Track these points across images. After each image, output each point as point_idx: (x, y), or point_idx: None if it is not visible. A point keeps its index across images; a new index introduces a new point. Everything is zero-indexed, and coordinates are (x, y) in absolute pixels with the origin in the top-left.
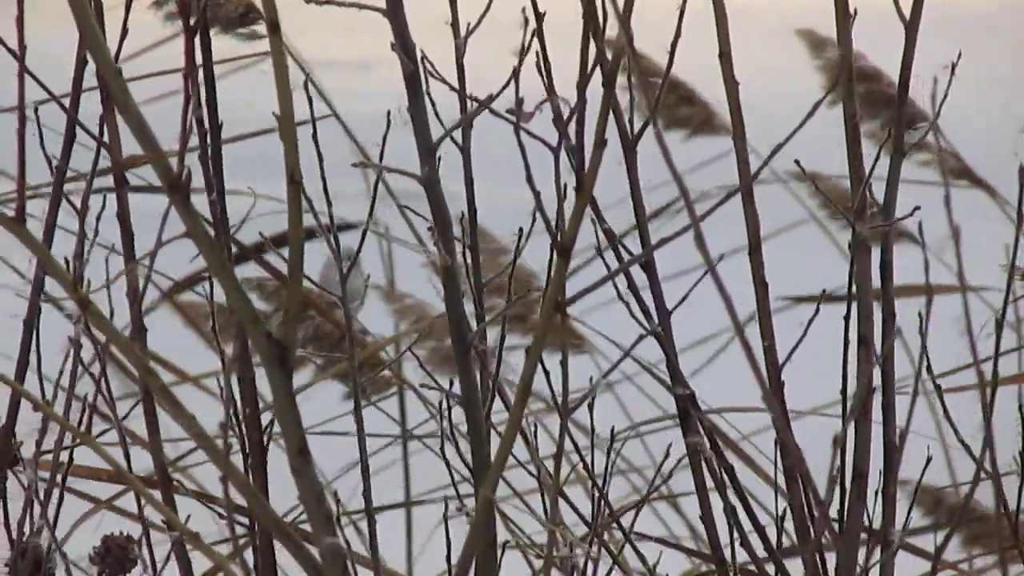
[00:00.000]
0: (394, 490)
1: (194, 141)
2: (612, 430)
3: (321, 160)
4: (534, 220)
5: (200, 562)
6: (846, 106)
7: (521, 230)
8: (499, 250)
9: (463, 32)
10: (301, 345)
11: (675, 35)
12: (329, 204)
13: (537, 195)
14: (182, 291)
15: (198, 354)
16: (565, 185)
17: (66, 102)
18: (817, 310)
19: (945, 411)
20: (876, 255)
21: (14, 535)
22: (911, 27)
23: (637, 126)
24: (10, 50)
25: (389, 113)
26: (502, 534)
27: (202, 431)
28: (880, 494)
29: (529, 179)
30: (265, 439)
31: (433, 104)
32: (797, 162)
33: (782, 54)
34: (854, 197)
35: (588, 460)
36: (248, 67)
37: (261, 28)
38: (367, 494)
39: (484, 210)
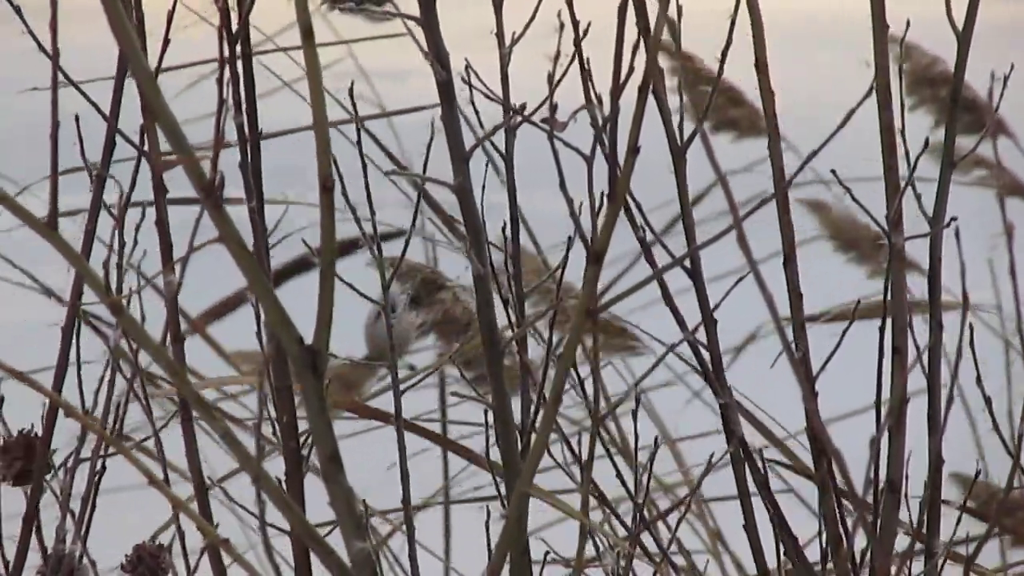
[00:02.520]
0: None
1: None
2: (656, 439)
3: (365, 167)
4: (577, 229)
5: (235, 571)
6: (881, 116)
7: (570, 238)
8: (530, 258)
9: (507, 41)
10: None
11: (726, 42)
12: (372, 213)
13: (571, 203)
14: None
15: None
16: (602, 193)
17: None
18: (852, 320)
19: (994, 423)
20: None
21: (47, 544)
22: (964, 36)
23: (687, 131)
24: (44, 51)
25: (433, 123)
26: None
27: (235, 438)
28: (923, 505)
29: (563, 187)
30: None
31: (477, 112)
32: (833, 172)
33: (830, 60)
34: (889, 207)
35: (627, 466)
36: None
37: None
38: (406, 501)
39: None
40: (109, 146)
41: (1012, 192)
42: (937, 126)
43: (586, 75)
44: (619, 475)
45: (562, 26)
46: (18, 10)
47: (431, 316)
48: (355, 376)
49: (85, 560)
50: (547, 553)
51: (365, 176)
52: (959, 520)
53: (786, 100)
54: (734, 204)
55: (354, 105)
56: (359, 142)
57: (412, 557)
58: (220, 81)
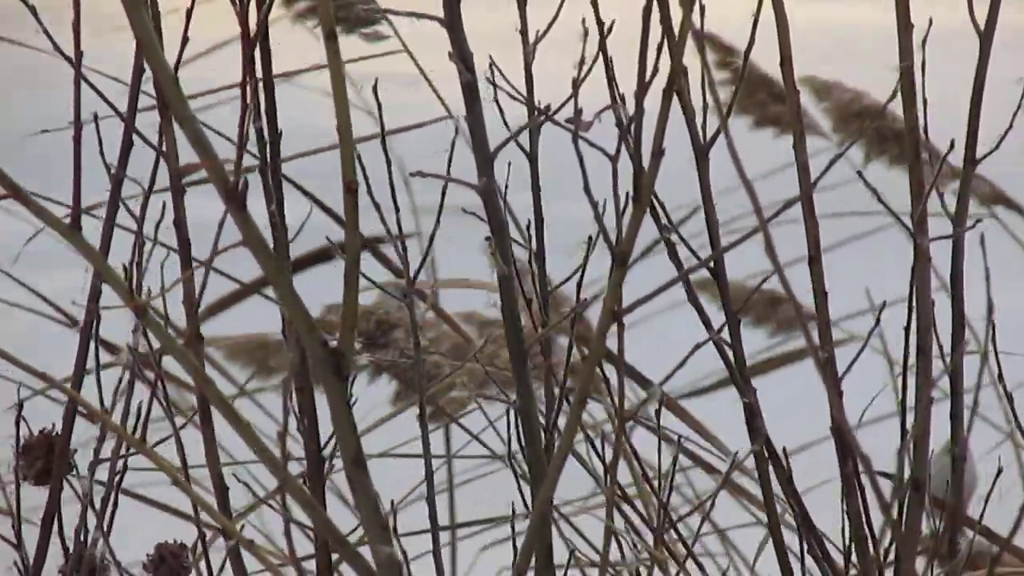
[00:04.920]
0: (476, 507)
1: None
2: (678, 439)
3: (390, 167)
4: (602, 230)
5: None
6: (907, 116)
7: (590, 238)
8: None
9: (532, 40)
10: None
11: (749, 42)
12: (397, 209)
13: (595, 205)
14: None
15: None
16: (627, 194)
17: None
18: (878, 321)
19: (1016, 421)
20: None
21: (69, 543)
22: (986, 37)
23: (711, 129)
24: (66, 57)
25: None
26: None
27: (259, 440)
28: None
29: (587, 189)
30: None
31: (502, 112)
32: (859, 173)
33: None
34: (914, 207)
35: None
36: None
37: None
38: (432, 512)
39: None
40: (126, 146)
41: (994, 201)
42: None
43: (610, 75)
44: (644, 475)
45: (587, 32)
46: (33, 10)
47: (386, 356)
48: None
49: (108, 559)
50: (572, 552)
51: (390, 176)
52: (981, 517)
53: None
54: (759, 208)
55: (380, 108)
56: (383, 143)
57: (436, 556)
58: (243, 86)
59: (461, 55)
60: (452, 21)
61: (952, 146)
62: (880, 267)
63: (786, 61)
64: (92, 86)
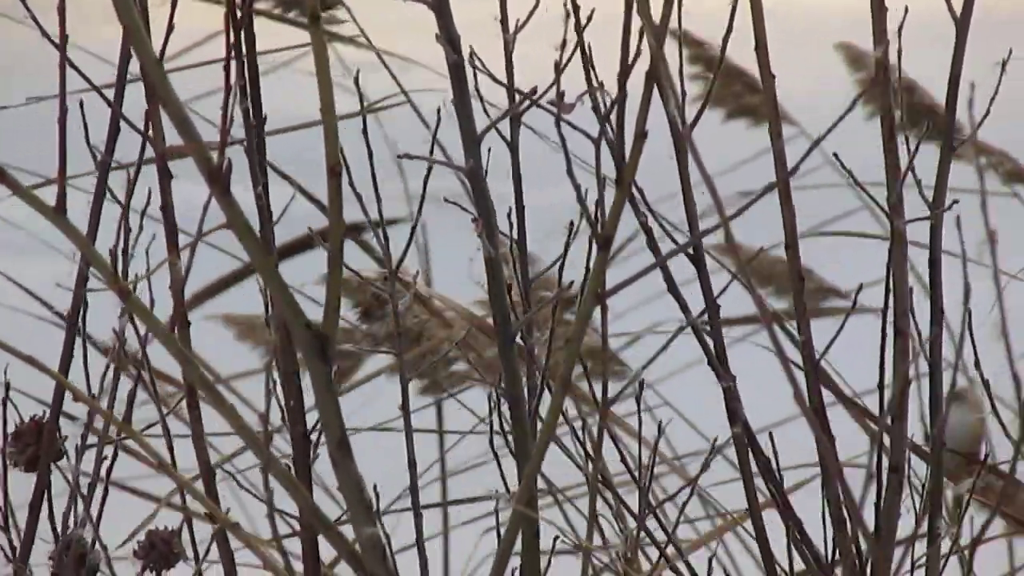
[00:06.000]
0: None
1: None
2: (659, 424)
3: (371, 155)
4: (584, 214)
5: (244, 555)
6: (882, 102)
7: (572, 223)
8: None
9: (511, 28)
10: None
11: (727, 28)
12: (379, 199)
13: (578, 189)
14: (225, 288)
15: (239, 355)
16: (604, 178)
17: (110, 95)
18: (854, 305)
19: (993, 407)
20: None
21: (59, 529)
22: (962, 24)
23: (690, 117)
24: (51, 40)
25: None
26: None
27: (243, 422)
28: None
29: (570, 172)
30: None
31: (482, 100)
32: (835, 155)
33: (826, 59)
34: (890, 191)
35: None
36: (289, 63)
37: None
38: (414, 489)
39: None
40: (113, 131)
41: (1018, 179)
42: None
43: (590, 61)
44: (624, 460)
45: (568, 15)
46: None
47: (383, 329)
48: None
49: (96, 546)
50: (556, 538)
51: (371, 162)
52: (966, 505)
53: (797, 87)
54: (719, 202)
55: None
56: (364, 130)
57: (419, 542)
58: (227, 68)
59: (448, 38)
60: (440, 5)
61: (928, 127)
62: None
63: (761, 47)
64: (76, 69)
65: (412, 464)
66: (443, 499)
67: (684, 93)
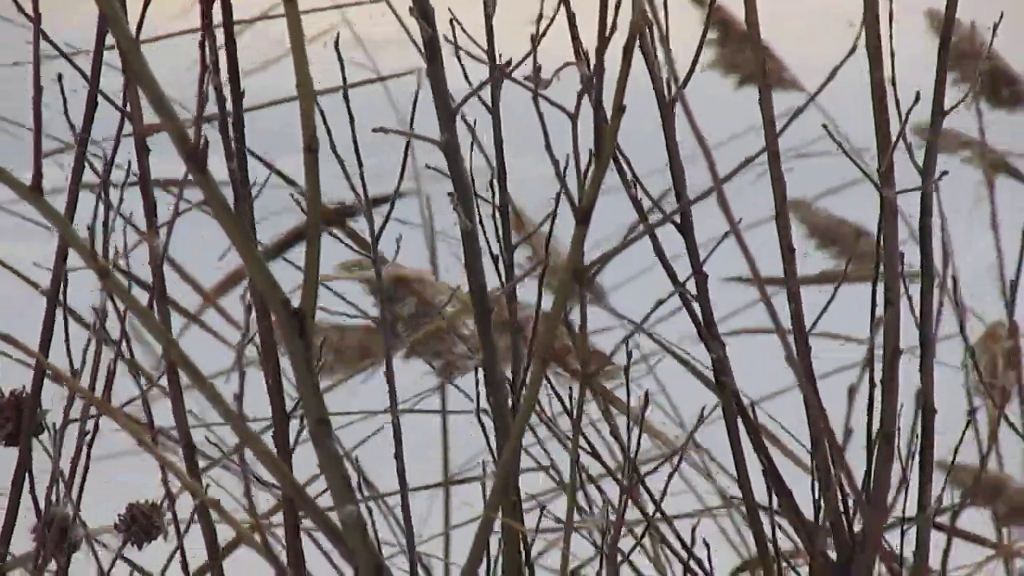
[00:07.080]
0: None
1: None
2: (645, 394)
3: (353, 127)
4: (563, 188)
5: (227, 532)
6: (872, 71)
7: (557, 196)
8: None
9: None
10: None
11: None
12: (362, 177)
13: (556, 163)
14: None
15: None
16: (589, 151)
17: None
18: (845, 274)
19: (980, 378)
20: None
21: (40, 504)
22: None
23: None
24: (26, 14)
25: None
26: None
27: (222, 398)
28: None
29: (548, 148)
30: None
31: (463, 68)
32: (825, 127)
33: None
34: (881, 160)
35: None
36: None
37: None
38: (400, 470)
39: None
40: (91, 108)
41: (998, 169)
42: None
43: (572, 30)
44: (613, 431)
45: None
46: None
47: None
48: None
49: (77, 521)
50: (543, 508)
51: (354, 135)
52: (947, 477)
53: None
54: (713, 166)
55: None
56: (347, 103)
57: (406, 513)
58: (203, 45)
59: (423, 11)
60: None
61: (918, 98)
62: None
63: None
64: (53, 43)
65: (397, 438)
66: (444, 479)
67: (669, 59)
